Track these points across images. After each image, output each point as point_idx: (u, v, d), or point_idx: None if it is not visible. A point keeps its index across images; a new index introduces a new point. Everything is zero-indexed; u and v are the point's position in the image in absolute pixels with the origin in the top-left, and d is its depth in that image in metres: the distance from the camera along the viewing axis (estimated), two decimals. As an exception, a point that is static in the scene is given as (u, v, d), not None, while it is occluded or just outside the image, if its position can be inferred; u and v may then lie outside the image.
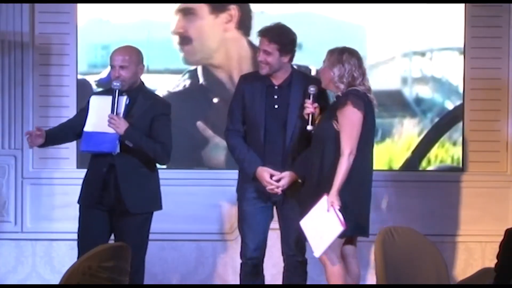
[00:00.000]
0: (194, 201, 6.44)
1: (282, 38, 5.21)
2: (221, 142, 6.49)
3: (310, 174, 5.10)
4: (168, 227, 6.41)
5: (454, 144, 6.60)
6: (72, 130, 5.33)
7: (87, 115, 5.23)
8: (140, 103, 5.23)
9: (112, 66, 5.22)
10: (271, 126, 5.23)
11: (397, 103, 6.59)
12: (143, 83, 5.35)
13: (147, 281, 6.38)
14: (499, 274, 4.14)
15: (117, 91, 5.13)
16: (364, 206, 5.07)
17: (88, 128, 5.20)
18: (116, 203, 5.19)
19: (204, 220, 6.44)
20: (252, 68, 6.32)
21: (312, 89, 5.17)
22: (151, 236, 6.38)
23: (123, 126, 5.11)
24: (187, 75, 6.58)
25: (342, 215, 4.86)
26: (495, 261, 4.19)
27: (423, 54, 6.63)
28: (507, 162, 6.55)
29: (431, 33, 6.55)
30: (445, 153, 6.63)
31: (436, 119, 6.62)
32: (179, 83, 6.58)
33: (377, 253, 4.20)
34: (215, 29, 6.54)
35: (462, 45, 6.55)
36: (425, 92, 6.64)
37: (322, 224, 4.89)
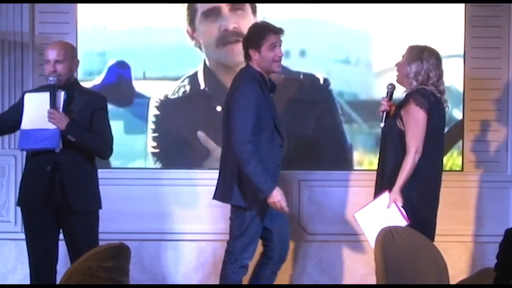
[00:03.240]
0: (194, 201, 6.44)
1: None
2: (224, 155, 6.46)
3: (379, 171, 5.19)
4: (168, 227, 6.42)
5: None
6: None
7: (22, 113, 5.11)
8: (78, 98, 5.15)
9: (47, 61, 5.14)
10: (280, 126, 5.26)
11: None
12: (76, 79, 5.29)
13: (147, 281, 6.40)
14: (499, 274, 4.14)
15: (54, 86, 5.05)
16: (431, 209, 5.11)
17: (26, 126, 5.09)
18: (63, 203, 5.09)
19: (204, 220, 6.45)
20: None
21: (389, 87, 5.20)
22: (151, 236, 6.41)
23: (64, 120, 5.02)
24: (186, 80, 6.49)
25: (406, 212, 4.91)
26: (495, 261, 4.19)
27: None
28: (507, 162, 6.55)
29: (439, 41, 6.47)
30: (453, 161, 6.60)
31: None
32: (178, 88, 6.50)
33: (377, 253, 4.19)
34: None
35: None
36: None
37: (382, 219, 4.89)
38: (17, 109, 5.18)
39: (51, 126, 5.02)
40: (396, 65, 5.19)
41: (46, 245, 5.13)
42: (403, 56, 5.16)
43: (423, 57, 5.07)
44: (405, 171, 4.96)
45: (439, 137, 5.16)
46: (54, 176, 5.08)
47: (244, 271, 5.35)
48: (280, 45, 5.22)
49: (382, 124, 5.19)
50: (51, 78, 5.06)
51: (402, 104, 5.07)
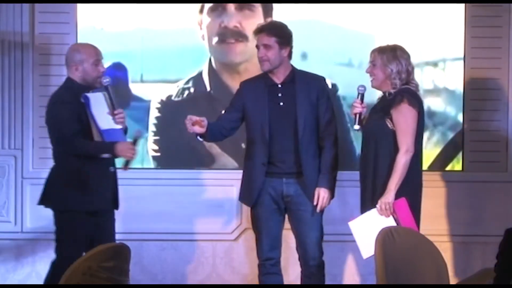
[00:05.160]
0: (194, 201, 6.44)
1: (280, 31, 5.25)
2: (229, 162, 6.41)
3: (365, 175, 5.11)
4: (168, 227, 6.42)
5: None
6: None
7: (91, 114, 5.03)
8: None
9: (98, 61, 5.09)
10: (277, 124, 5.22)
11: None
12: None
13: (147, 281, 6.40)
14: (499, 274, 4.15)
15: (108, 87, 5.03)
16: (418, 208, 5.09)
17: (103, 125, 5.04)
18: (115, 201, 5.14)
19: (204, 220, 6.45)
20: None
21: (361, 89, 5.18)
22: (151, 236, 6.42)
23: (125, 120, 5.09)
24: (191, 82, 6.45)
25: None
26: (495, 261, 4.20)
27: (435, 64, 6.50)
28: (507, 162, 6.55)
29: (439, 41, 6.47)
30: (457, 166, 6.60)
31: (449, 133, 6.56)
32: (182, 90, 6.46)
33: (377, 253, 4.20)
34: None
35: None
36: (438, 104, 6.54)
37: (378, 227, 4.68)
38: (82, 112, 5.05)
39: (115, 125, 5.02)
40: (367, 71, 5.16)
41: (84, 248, 5.00)
42: (372, 61, 5.11)
43: (398, 56, 5.08)
44: (398, 171, 4.94)
45: (421, 136, 5.16)
46: (115, 177, 5.13)
47: (261, 269, 5.35)
48: (263, 45, 5.21)
49: (356, 127, 5.13)
50: (106, 80, 5.03)
51: (391, 104, 5.03)
